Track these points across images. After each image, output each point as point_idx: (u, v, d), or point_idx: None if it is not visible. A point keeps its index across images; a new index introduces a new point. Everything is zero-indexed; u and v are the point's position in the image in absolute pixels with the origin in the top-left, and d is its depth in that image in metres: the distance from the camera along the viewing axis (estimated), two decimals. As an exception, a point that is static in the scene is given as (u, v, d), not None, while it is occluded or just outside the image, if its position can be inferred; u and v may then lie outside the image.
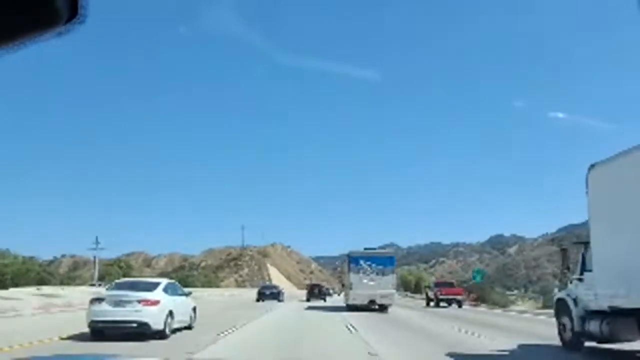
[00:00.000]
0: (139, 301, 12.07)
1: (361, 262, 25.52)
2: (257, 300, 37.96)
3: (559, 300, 12.05)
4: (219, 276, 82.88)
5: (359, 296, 25.17)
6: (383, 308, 25.54)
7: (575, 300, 11.13)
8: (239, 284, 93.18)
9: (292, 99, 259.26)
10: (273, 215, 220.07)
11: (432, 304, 35.97)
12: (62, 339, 12.15)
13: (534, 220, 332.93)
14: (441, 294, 35.33)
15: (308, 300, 39.60)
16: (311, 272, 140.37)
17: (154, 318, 12.06)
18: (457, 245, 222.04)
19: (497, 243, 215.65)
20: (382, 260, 25.77)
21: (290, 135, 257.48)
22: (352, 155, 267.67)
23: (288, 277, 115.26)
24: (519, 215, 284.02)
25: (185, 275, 61.53)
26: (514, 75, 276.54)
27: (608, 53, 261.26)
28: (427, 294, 38.90)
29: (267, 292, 39.02)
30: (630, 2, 2.19)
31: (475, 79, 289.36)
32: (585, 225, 11.13)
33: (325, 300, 40.21)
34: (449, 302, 34.71)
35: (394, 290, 26.50)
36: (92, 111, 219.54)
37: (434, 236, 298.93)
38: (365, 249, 27.90)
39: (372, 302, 25.25)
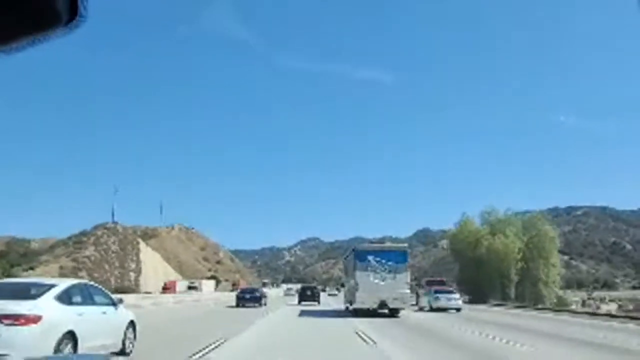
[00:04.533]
0: (2, 317, 6.79)
1: (369, 258, 22.79)
2: (237, 305, 34.52)
3: None
4: (40, 260, 53.78)
5: (367, 298, 22.30)
6: (394, 312, 22.83)
7: None
8: (65, 275, 52.23)
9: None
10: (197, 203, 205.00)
11: None
12: None
13: (456, 215, 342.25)
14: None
15: (300, 303, 38.31)
16: (218, 262, 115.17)
17: (29, 345, 6.67)
18: (382, 239, 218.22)
19: (424, 237, 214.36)
20: (393, 256, 23.02)
21: (219, 135, 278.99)
22: (278, 152, 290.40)
23: (178, 267, 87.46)
24: (441, 210, 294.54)
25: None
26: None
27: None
28: (417, 293, 38.46)
29: (247, 296, 35.77)
30: (630, 2, 1.75)
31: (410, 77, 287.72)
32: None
33: (319, 303, 38.40)
34: None
35: (408, 291, 23.40)
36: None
37: (356, 231, 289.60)
38: (372, 242, 27.49)
39: (383, 305, 22.35)
